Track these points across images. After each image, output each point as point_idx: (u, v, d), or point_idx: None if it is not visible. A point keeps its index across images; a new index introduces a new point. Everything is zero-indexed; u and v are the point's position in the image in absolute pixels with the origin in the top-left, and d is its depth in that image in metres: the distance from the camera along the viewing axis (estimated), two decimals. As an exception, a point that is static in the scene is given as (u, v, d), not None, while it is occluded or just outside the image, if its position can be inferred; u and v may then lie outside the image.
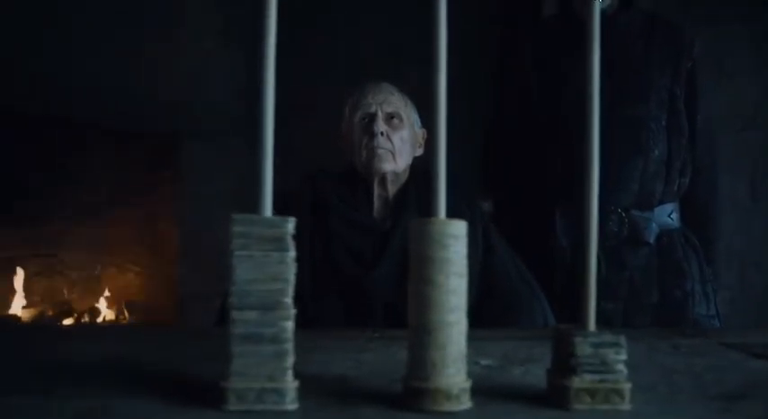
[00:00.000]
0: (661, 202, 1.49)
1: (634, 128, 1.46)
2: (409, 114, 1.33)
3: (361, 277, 1.22)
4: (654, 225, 1.47)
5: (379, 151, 1.26)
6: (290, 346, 0.53)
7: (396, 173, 1.29)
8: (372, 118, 1.28)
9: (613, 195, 1.43)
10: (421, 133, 1.36)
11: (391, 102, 1.30)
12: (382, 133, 1.26)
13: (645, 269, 1.46)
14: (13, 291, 2.58)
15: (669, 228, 1.50)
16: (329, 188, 1.31)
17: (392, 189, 1.31)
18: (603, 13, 1.44)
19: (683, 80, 1.51)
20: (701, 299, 1.48)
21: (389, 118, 1.29)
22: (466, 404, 0.53)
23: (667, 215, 1.51)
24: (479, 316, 1.11)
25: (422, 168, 1.35)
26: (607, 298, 1.39)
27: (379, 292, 1.20)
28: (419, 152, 1.36)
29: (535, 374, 0.67)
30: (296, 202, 1.27)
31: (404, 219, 1.25)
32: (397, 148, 1.28)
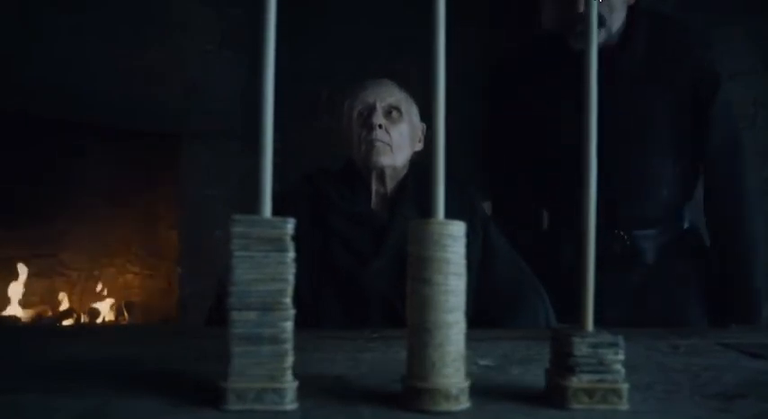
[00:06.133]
0: (665, 219, 1.46)
1: (639, 179, 1.42)
2: (409, 108, 1.32)
3: (357, 272, 1.21)
4: (653, 244, 1.44)
5: (378, 144, 1.25)
6: (289, 346, 0.53)
7: (394, 168, 1.28)
8: (371, 110, 1.27)
9: (619, 221, 1.41)
10: (421, 127, 1.36)
11: (391, 94, 1.30)
12: (380, 126, 1.25)
13: (645, 283, 1.44)
14: (12, 292, 2.58)
15: (669, 235, 1.47)
16: (327, 185, 1.30)
17: (390, 184, 1.30)
18: (600, 49, 1.38)
19: (688, 108, 1.41)
20: (697, 300, 1.46)
21: (388, 111, 1.28)
22: (465, 404, 0.53)
23: (674, 223, 1.47)
24: (480, 313, 1.11)
25: (421, 163, 1.34)
26: (610, 306, 1.26)
27: (376, 287, 1.20)
28: (419, 147, 1.35)
29: (534, 374, 0.67)
30: (293, 201, 1.27)
31: (401, 214, 1.24)
32: (396, 142, 1.27)
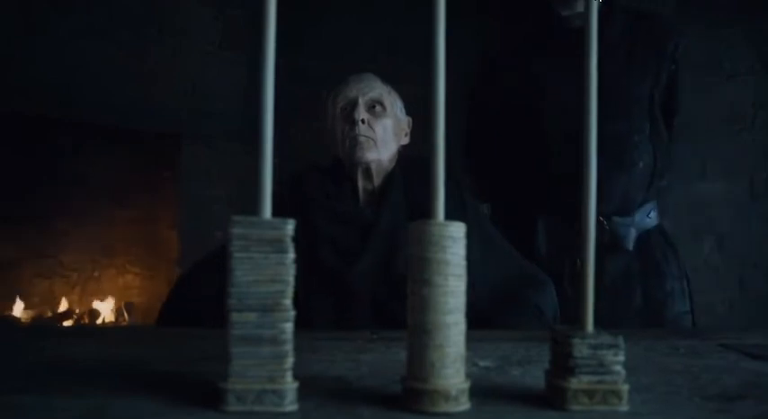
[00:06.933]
0: (641, 205, 1.49)
1: (618, 144, 1.44)
2: (393, 102, 1.30)
3: (345, 272, 1.19)
4: (633, 230, 1.46)
5: (361, 139, 1.23)
6: (289, 347, 0.53)
7: (380, 163, 1.26)
8: (353, 106, 1.26)
9: (599, 207, 1.42)
10: (406, 121, 1.34)
11: (373, 88, 1.28)
12: (363, 120, 1.24)
13: (626, 274, 1.46)
14: (12, 293, 2.58)
15: (647, 228, 1.50)
16: (314, 185, 1.29)
17: (377, 179, 1.27)
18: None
19: (662, 84, 1.48)
20: (678, 297, 1.48)
21: (371, 106, 1.27)
22: (464, 405, 0.53)
23: (646, 215, 1.50)
24: (485, 308, 1.11)
25: (409, 157, 1.32)
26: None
27: (363, 286, 1.17)
28: (405, 141, 1.33)
29: (533, 375, 0.67)
30: (281, 204, 1.26)
31: (387, 210, 1.22)
32: (380, 137, 1.25)
